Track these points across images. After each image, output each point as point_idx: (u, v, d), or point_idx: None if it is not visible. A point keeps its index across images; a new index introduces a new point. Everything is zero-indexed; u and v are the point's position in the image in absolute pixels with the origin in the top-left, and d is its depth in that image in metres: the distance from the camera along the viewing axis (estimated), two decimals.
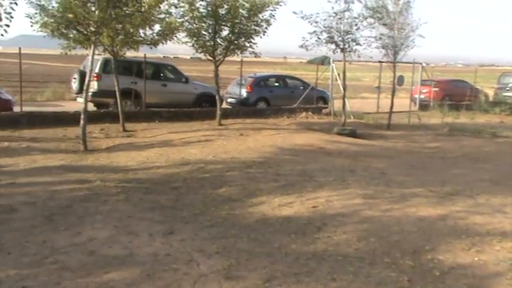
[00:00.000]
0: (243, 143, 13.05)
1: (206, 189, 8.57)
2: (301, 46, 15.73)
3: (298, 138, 13.83)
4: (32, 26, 12.31)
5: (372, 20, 15.92)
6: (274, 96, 19.94)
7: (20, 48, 15.30)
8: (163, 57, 67.11)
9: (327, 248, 6.07)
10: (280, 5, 15.09)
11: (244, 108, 18.77)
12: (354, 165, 10.94)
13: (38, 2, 12.06)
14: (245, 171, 9.92)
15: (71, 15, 11.77)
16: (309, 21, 15.35)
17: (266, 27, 15.47)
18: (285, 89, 20.75)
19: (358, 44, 15.70)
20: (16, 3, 11.68)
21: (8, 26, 11.84)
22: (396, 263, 5.69)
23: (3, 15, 11.60)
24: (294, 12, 15.58)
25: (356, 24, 15.52)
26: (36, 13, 12.27)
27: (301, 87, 20.95)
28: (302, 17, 15.38)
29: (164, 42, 14.83)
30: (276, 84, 21.23)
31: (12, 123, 13.76)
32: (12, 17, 11.75)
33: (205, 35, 15.29)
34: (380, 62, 18.58)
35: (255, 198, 8.13)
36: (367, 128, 17.33)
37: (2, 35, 11.94)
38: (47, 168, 9.48)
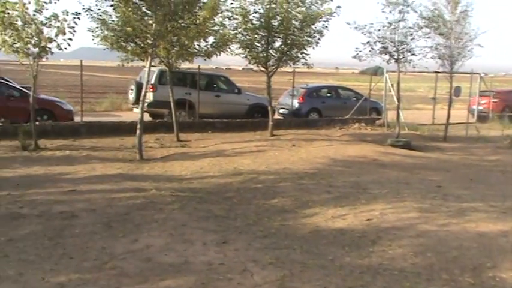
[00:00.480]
0: (295, 153, 13.04)
1: (259, 199, 8.61)
2: (354, 57, 15.60)
3: (351, 150, 13.68)
4: (93, 39, 12.84)
5: (428, 30, 15.58)
6: (326, 107, 19.84)
7: (81, 61, 15.98)
8: (216, 68, 68.11)
9: (382, 262, 5.95)
10: (334, 16, 15.05)
11: (296, 119, 18.77)
12: (409, 178, 10.70)
13: (99, 17, 12.55)
14: (297, 182, 9.89)
15: (129, 29, 12.20)
16: (363, 32, 15.22)
17: (319, 38, 15.47)
18: (337, 100, 20.61)
19: (413, 54, 15.42)
20: (79, 18, 12.27)
21: (71, 39, 12.44)
22: (455, 279, 5.51)
23: (67, 29, 12.22)
24: (347, 23, 15.51)
25: (411, 34, 15.25)
26: (97, 27, 12.79)
27: (354, 98, 20.74)
28: (355, 28, 15.26)
29: (218, 54, 15.08)
30: (328, 95, 21.12)
31: (73, 132, 14.34)
32: (75, 31, 12.34)
33: (258, 46, 15.45)
34: (436, 72, 18.13)
35: (308, 210, 8.09)
36: (423, 139, 16.93)
37: (65, 48, 12.59)
38: (105, 177, 9.80)
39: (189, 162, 11.57)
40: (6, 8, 11.61)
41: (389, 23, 15.05)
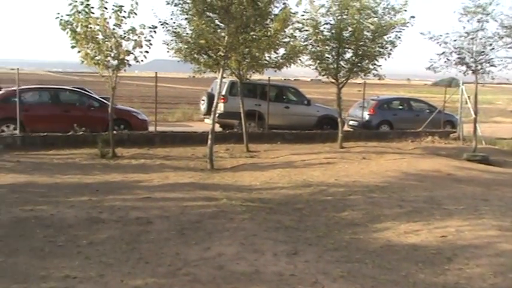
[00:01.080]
0: (365, 166, 12.83)
1: (329, 212, 8.53)
2: (429, 68, 15.20)
3: (424, 163, 13.27)
4: (168, 51, 13.30)
5: (509, 40, 14.89)
6: (398, 120, 19.39)
7: (156, 73, 16.56)
8: (284, 79, 68.44)
9: (459, 281, 5.72)
10: (407, 26, 14.74)
11: (366, 131, 18.48)
12: (487, 194, 10.23)
13: (174, 30, 12.99)
14: (368, 196, 9.72)
15: (202, 41, 12.53)
16: (438, 42, 14.82)
17: (391, 49, 15.18)
18: (409, 112, 20.10)
19: (492, 65, 14.80)
20: (155, 31, 12.77)
21: (147, 52, 12.97)
22: None
23: (144, 42, 12.74)
24: (421, 33, 15.13)
25: (490, 44, 14.66)
26: (172, 40, 13.25)
27: (427, 111, 20.14)
28: (430, 38, 14.87)
29: (288, 65, 15.16)
30: (400, 107, 20.64)
31: (148, 141, 14.88)
32: (151, 44, 12.85)
33: (328, 57, 15.40)
34: None
35: (379, 224, 7.92)
36: (502, 154, 16.13)
37: (142, 60, 13.13)
38: (178, 185, 10.08)
39: (259, 173, 11.67)
40: (89, 23, 12.27)
41: (466, 32, 14.58)
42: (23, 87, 14.91)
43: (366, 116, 19.32)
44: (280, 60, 14.92)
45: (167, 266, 5.68)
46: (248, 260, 5.97)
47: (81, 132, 14.24)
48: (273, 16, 13.34)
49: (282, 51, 14.91)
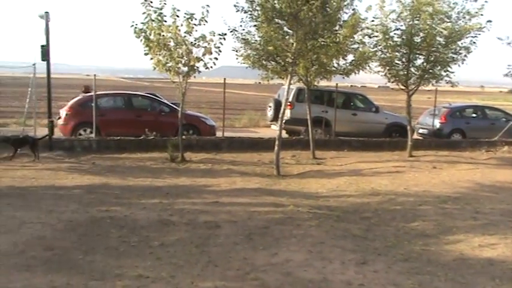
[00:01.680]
0: (436, 176, 12.42)
1: (398, 221, 8.32)
2: (506, 75, 14.52)
3: (500, 175, 12.66)
4: (236, 58, 13.48)
5: None
6: (471, 128, 18.62)
7: (224, 79, 16.81)
8: (351, 86, 67.61)
9: None
10: (483, 31, 14.16)
11: (436, 140, 17.88)
12: None
13: (243, 37, 13.16)
14: (439, 206, 9.40)
15: (271, 48, 12.63)
16: None
17: (465, 55, 14.64)
18: (484, 121, 19.24)
19: None
20: (224, 39, 12.99)
21: (216, 58, 13.21)
22: None
23: (213, 49, 12.99)
24: (498, 39, 14.51)
25: None
26: (241, 47, 13.42)
27: (503, 119, 19.21)
28: (508, 44, 14.21)
29: (357, 72, 14.97)
30: (474, 115, 19.79)
31: (215, 146, 15.14)
32: (220, 51, 13.09)
33: (398, 64, 15.08)
34: None
35: (452, 236, 7.63)
36: None
37: (211, 66, 13.39)
38: (245, 190, 10.18)
39: (325, 180, 11.57)
40: (162, 31, 12.68)
41: None
42: (99, 92, 15.59)
43: (437, 124, 18.70)
44: (349, 67, 14.76)
45: (236, 270, 5.75)
46: (316, 268, 5.93)
47: (152, 137, 14.70)
48: (342, 22, 13.26)
49: (350, 57, 14.78)
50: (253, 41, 13.16)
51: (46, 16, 13.35)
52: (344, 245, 6.90)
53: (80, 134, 15.09)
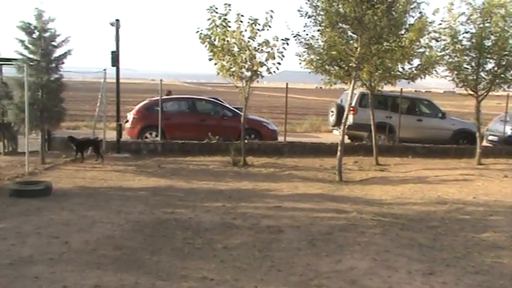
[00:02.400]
0: (507, 185, 11.87)
1: (467, 232, 7.99)
2: None
3: None
4: (300, 63, 13.47)
5: None
6: None
7: (287, 84, 16.88)
8: (415, 91, 65.83)
9: None
10: None
11: (508, 148, 17.10)
12: None
13: (307, 42, 13.13)
14: None
15: (334, 53, 12.53)
16: None
17: None
18: None
19: None
20: (287, 43, 13.02)
21: (279, 63, 13.26)
22: None
23: (276, 54, 13.05)
24: None
25: None
26: (304, 51, 13.40)
27: None
28: None
29: (422, 76, 14.58)
30: None
31: (277, 151, 15.19)
32: (283, 56, 13.13)
33: (467, 68, 14.57)
34: None
35: None
36: None
37: (274, 71, 13.46)
38: (307, 196, 10.13)
39: (389, 187, 11.32)
40: (226, 36, 12.89)
41: None
42: (164, 97, 16.02)
43: (509, 131, 17.87)
44: (414, 71, 14.42)
45: (299, 276, 5.71)
46: (381, 277, 5.80)
47: (215, 141, 14.94)
48: (408, 26, 12.96)
49: (416, 61, 14.43)
50: (316, 46, 13.11)
51: (116, 23, 13.90)
52: (410, 254, 6.71)
53: (146, 137, 15.57)
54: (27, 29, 11.91)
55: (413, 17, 13.12)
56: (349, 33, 12.46)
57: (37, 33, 11.99)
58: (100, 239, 6.81)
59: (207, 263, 6.03)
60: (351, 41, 12.50)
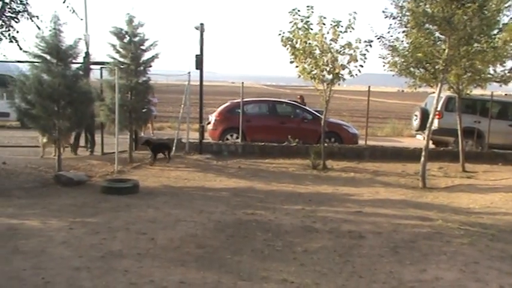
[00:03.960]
0: None
1: None
2: None
3: None
4: (383, 65, 13.14)
5: None
6: None
7: (369, 87, 16.52)
8: (505, 94, 62.19)
9: None
10: None
11: None
12: None
13: (391, 44, 12.78)
14: None
15: (420, 54, 12.08)
16: None
17: None
18: None
19: None
20: (371, 46, 12.78)
21: (361, 66, 13.04)
22: None
23: (359, 57, 12.83)
24: None
25: None
26: (388, 54, 13.06)
27: None
28: None
29: None
30: None
31: (357, 155, 14.94)
32: (366, 58, 12.88)
33: None
34: None
35: None
36: None
37: (356, 74, 13.25)
38: (389, 201, 9.87)
39: (477, 195, 10.76)
40: (308, 39, 12.85)
41: None
42: (245, 99, 16.24)
43: None
44: (507, 74, 13.60)
45: (382, 283, 5.57)
46: None
47: (294, 144, 14.93)
48: (501, 25, 12.25)
49: (510, 63, 13.63)
50: (401, 48, 12.71)
51: (201, 27, 14.28)
52: (501, 267, 6.33)
53: (227, 139, 15.86)
54: (119, 34, 12.57)
55: (507, 15, 12.40)
56: (437, 34, 11.96)
57: (128, 37, 12.63)
58: (184, 237, 7.02)
59: (287, 266, 6.04)
60: (438, 42, 12.01)
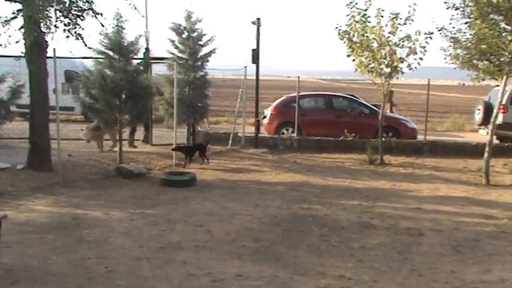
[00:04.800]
0: None
1: None
2: None
3: None
4: (444, 58, 12.71)
5: None
6: None
7: (429, 80, 16.03)
8: None
9: None
10: None
11: None
12: None
13: (453, 35, 12.34)
14: None
15: (484, 46, 11.59)
16: None
17: None
18: None
19: None
20: (431, 38, 12.37)
21: (421, 59, 12.67)
22: None
23: (418, 49, 12.48)
24: None
25: None
26: (449, 46, 12.61)
27: None
28: None
29: None
30: None
31: (416, 150, 14.57)
32: (425, 51, 12.51)
33: None
34: None
35: None
36: None
37: (415, 67, 12.88)
38: (449, 198, 9.57)
39: None
40: (366, 32, 12.62)
41: None
42: (301, 93, 16.16)
43: None
44: None
45: (443, 283, 5.41)
46: None
47: (351, 138, 14.73)
48: None
49: None
50: (463, 40, 12.24)
51: (257, 22, 14.33)
52: None
53: (283, 133, 15.85)
54: (178, 29, 12.82)
55: None
56: (502, 25, 11.42)
57: (186, 33, 12.85)
58: (240, 230, 7.09)
59: (344, 262, 5.98)
60: (504, 34, 11.45)
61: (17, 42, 9.95)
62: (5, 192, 8.66)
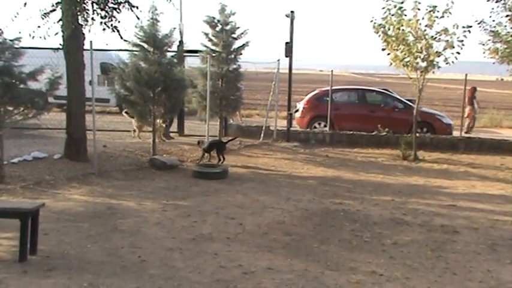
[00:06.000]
0: None
1: None
2: None
3: None
4: (483, 52, 12.43)
5: None
6: None
7: (466, 75, 15.64)
8: None
9: None
10: None
11: None
12: None
13: (492, 29, 12.04)
14: None
15: None
16: None
17: None
18: None
19: None
20: (469, 31, 12.10)
21: (458, 53, 12.39)
22: None
23: (456, 43, 12.21)
24: None
25: None
26: (489, 40, 12.31)
27: None
28: None
29: None
30: None
31: (451, 146, 14.29)
32: (463, 45, 12.23)
33: None
34: None
35: None
36: None
37: (452, 62, 12.62)
38: (485, 196, 9.35)
39: None
40: (401, 25, 12.40)
41: None
42: (334, 87, 16.02)
43: None
44: None
45: (478, 283, 5.29)
46: None
47: (384, 133, 14.54)
48: None
49: None
50: (504, 33, 11.95)
51: (291, 15, 14.26)
52: None
53: (315, 127, 15.78)
54: (211, 22, 12.89)
55: None
56: None
57: (220, 26, 12.91)
58: (271, 223, 7.10)
59: (376, 258, 5.92)
60: None
61: (56, 34, 10.19)
62: (42, 181, 8.87)
